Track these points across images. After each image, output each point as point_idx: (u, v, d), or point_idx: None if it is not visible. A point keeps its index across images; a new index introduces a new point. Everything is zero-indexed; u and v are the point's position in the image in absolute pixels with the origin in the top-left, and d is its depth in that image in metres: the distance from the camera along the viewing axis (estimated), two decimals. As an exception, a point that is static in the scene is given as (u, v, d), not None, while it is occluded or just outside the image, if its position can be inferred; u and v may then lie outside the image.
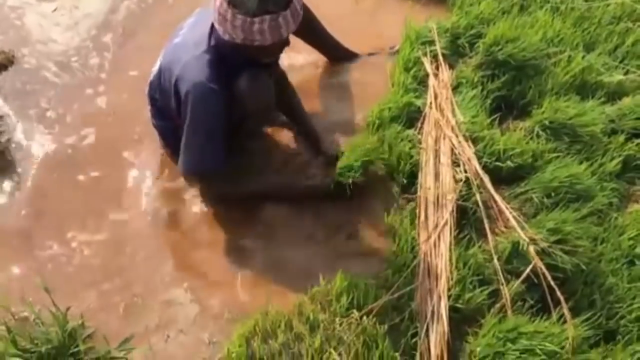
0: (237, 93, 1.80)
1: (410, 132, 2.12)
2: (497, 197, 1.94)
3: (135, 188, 2.07)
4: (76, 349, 1.58)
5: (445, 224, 1.89)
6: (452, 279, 1.78)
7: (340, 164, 1.95)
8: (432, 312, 1.72)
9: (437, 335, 1.69)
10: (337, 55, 2.41)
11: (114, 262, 1.88)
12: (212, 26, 1.80)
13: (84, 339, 1.60)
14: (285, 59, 2.29)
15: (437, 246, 1.85)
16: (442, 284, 1.78)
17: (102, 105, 2.30)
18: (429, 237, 1.86)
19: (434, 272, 1.80)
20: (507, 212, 1.91)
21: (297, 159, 2.10)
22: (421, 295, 1.78)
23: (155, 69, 1.97)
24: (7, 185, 2.05)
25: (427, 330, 1.70)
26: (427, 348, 1.68)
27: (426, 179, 1.99)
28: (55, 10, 2.61)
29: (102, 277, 1.84)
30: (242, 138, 2.06)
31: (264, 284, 1.82)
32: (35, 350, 1.56)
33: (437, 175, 1.99)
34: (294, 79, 2.20)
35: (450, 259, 1.81)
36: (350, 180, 1.90)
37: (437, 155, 2.04)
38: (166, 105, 1.92)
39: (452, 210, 1.90)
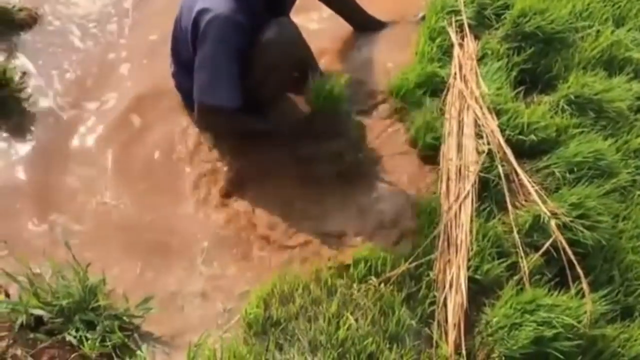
0: (262, 42, 1.77)
1: (434, 102, 2.10)
2: (519, 170, 1.92)
3: (155, 153, 2.05)
4: (96, 304, 1.59)
5: (467, 195, 1.87)
6: (471, 250, 1.77)
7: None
8: (451, 282, 1.72)
9: (454, 305, 1.69)
10: (362, 23, 2.37)
11: (138, 222, 1.88)
12: None
13: (104, 295, 1.61)
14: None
15: (458, 217, 1.84)
16: (462, 255, 1.77)
17: (124, 71, 2.27)
18: (449, 208, 1.85)
19: (453, 242, 1.79)
20: (528, 186, 1.89)
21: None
22: (440, 265, 1.78)
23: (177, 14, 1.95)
24: (26, 142, 2.04)
25: (445, 299, 1.70)
26: (444, 317, 1.69)
27: (449, 150, 1.97)
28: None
29: (123, 236, 1.85)
30: (260, 102, 1.99)
31: (283, 247, 1.82)
32: (56, 304, 1.57)
33: (459, 147, 1.97)
34: (314, 45, 2.16)
35: (471, 231, 1.80)
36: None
37: (460, 127, 2.02)
38: (187, 52, 1.88)
39: (474, 182, 1.88)
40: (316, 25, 2.39)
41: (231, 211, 1.91)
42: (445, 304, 1.70)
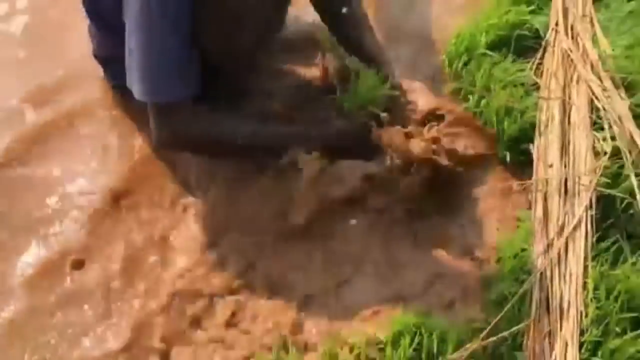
0: None
1: (522, 72, 1.54)
2: (666, 181, 1.32)
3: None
4: None
5: (578, 225, 1.31)
6: (586, 315, 1.23)
7: None
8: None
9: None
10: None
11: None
12: None
13: None
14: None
15: (564, 261, 1.29)
16: (571, 324, 1.23)
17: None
18: (549, 247, 1.30)
19: (556, 304, 1.25)
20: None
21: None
22: (534, 341, 1.23)
23: None
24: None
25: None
26: None
27: (547, 151, 1.41)
28: None
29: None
30: (236, 71, 1.44)
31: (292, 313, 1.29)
32: None
33: (565, 145, 1.41)
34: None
35: (585, 283, 1.26)
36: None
37: (566, 112, 1.46)
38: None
39: (590, 203, 1.31)
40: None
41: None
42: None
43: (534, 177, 1.36)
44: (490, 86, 1.49)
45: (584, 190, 1.30)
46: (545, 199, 1.33)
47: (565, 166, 1.36)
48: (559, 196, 1.32)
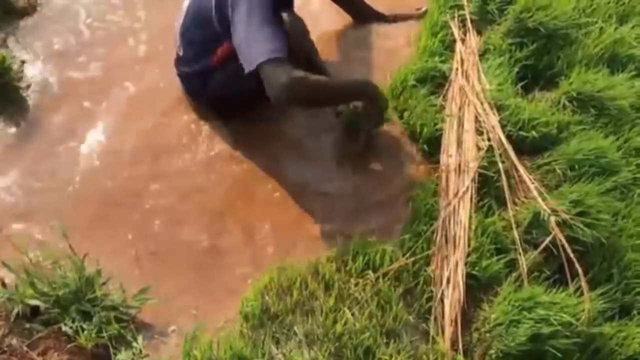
0: None
1: (435, 97, 2.08)
2: (519, 166, 1.92)
3: (163, 142, 2.01)
4: (93, 295, 1.59)
5: (466, 191, 1.86)
6: (469, 246, 1.77)
7: None
8: (448, 277, 1.72)
9: (452, 300, 1.69)
10: (362, 15, 2.36)
11: (133, 212, 1.86)
12: None
13: (100, 285, 1.61)
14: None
15: (457, 213, 1.83)
16: (460, 251, 1.77)
17: (131, 60, 2.23)
18: (448, 204, 1.84)
19: (451, 238, 1.79)
20: (529, 182, 1.89)
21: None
22: (438, 261, 1.77)
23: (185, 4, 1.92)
24: (23, 132, 2.02)
25: (442, 295, 1.70)
26: (441, 312, 1.68)
27: (449, 146, 1.96)
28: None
29: (121, 227, 1.83)
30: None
31: (282, 241, 1.81)
32: (52, 294, 1.57)
33: (460, 143, 1.96)
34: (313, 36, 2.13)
35: (469, 226, 1.79)
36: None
37: (460, 122, 2.01)
38: (203, 28, 1.83)
39: (474, 178, 1.88)
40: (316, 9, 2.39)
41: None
42: (442, 300, 1.69)
43: (440, 161, 1.93)
44: (415, 106, 2.03)
45: (471, 170, 1.88)
46: (447, 174, 1.89)
47: (459, 155, 1.92)
48: (455, 173, 1.89)
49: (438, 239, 1.79)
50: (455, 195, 1.86)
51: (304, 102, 1.77)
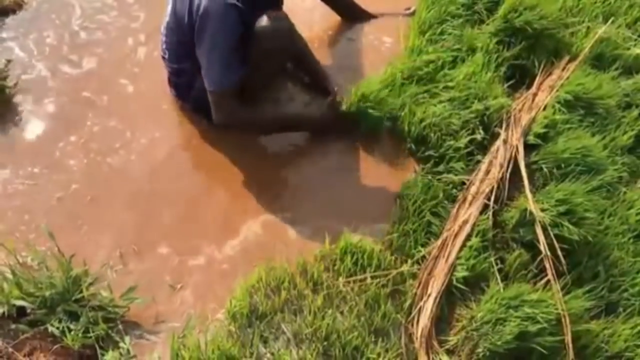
0: (257, 30, 1.77)
1: (422, 95, 2.09)
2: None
3: (151, 145, 2.02)
4: (80, 295, 1.58)
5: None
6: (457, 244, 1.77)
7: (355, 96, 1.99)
8: (436, 275, 1.73)
9: (438, 297, 1.69)
10: (351, 15, 2.36)
11: (123, 212, 1.86)
12: None
13: (87, 286, 1.60)
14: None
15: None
16: (448, 249, 1.78)
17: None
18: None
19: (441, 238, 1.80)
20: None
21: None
22: (426, 259, 1.78)
23: (168, 8, 1.92)
24: (9, 132, 2.01)
25: (429, 292, 1.70)
26: (422, 311, 1.68)
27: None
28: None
29: (109, 227, 1.83)
30: (255, 87, 1.97)
31: (271, 240, 1.81)
32: (39, 295, 1.56)
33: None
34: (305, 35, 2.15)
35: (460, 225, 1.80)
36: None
37: None
38: (179, 33, 1.87)
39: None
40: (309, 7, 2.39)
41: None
42: (428, 297, 1.70)
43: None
44: (406, 101, 2.05)
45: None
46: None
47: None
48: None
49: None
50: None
51: (241, 130, 1.99)
